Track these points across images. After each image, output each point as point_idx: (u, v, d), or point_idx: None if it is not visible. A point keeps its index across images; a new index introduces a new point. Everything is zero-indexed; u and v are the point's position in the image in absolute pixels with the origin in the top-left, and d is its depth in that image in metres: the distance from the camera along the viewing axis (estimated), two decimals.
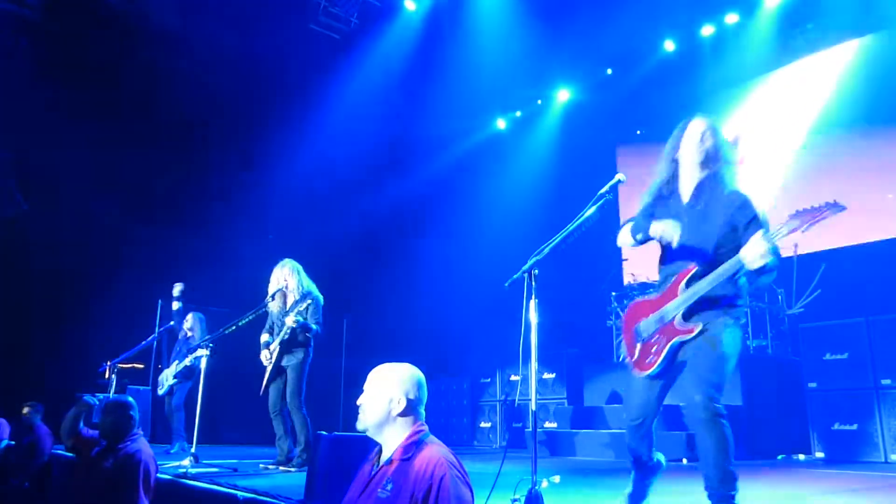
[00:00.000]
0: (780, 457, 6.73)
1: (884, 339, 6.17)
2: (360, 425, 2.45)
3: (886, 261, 8.11)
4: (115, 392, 7.31)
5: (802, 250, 7.93)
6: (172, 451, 7.37)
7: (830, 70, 9.15)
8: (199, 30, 9.48)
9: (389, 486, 2.29)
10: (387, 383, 2.44)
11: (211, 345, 5.96)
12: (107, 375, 7.33)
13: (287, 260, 6.09)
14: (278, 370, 5.82)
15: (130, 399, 4.73)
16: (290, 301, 5.88)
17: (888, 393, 6.04)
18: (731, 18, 9.67)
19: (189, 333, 7.90)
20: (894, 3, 8.43)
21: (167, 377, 7.85)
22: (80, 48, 9.12)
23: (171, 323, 7.99)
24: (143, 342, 7.83)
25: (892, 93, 8.44)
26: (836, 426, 6.35)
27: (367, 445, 2.60)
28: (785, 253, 7.79)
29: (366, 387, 2.48)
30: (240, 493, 3.87)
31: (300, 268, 6.05)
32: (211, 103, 9.92)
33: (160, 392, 7.86)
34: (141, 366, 8.05)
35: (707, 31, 9.94)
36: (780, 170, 9.47)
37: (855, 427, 6.21)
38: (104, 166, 8.98)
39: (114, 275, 9.02)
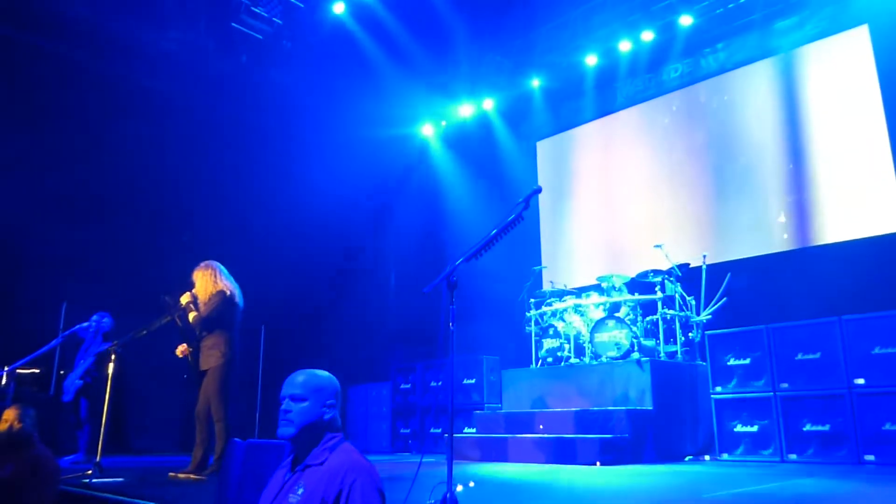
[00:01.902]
0: (687, 458, 6.99)
1: (783, 346, 6.51)
2: (286, 431, 2.37)
3: (789, 271, 8.59)
4: (15, 399, 6.92)
5: (711, 260, 8.29)
6: (76, 462, 7.04)
7: (743, 86, 9.66)
8: (110, 23, 9.14)
9: (300, 491, 2.28)
10: (318, 390, 2.41)
11: (118, 347, 5.73)
12: (3, 381, 6.92)
13: (203, 262, 5.92)
14: (199, 374, 5.66)
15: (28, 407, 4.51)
16: (201, 303, 5.73)
17: (787, 396, 6.38)
18: (647, 35, 10.02)
19: (94, 333, 7.57)
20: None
21: (72, 382, 7.50)
22: None
23: (77, 326, 7.63)
24: (45, 346, 7.43)
25: (788, 111, 9.00)
26: (738, 428, 6.66)
27: (283, 453, 2.57)
28: (694, 263, 8.17)
29: (296, 392, 2.40)
30: None
31: (211, 268, 5.86)
32: (122, 97, 9.56)
33: (66, 399, 7.50)
34: (38, 370, 7.64)
35: (624, 46, 10.27)
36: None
37: (756, 429, 6.53)
38: (5, 160, 8.51)
39: (14, 273, 8.55)
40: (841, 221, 8.43)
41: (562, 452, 6.66)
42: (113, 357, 5.77)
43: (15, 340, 7.66)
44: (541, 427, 7.25)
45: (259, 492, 2.54)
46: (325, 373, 2.51)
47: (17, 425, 4.37)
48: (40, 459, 4.22)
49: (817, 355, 6.29)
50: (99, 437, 5.61)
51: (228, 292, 5.73)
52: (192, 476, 5.35)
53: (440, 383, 9.30)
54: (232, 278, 5.91)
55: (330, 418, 2.41)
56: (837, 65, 8.71)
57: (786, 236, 8.85)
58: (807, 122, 8.92)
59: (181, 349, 5.75)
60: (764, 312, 7.62)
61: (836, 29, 8.77)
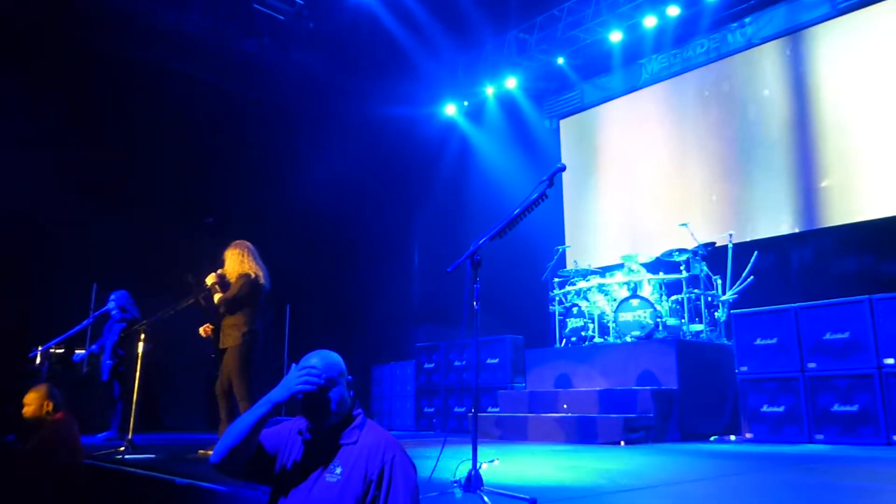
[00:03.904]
0: (712, 437, 6.97)
1: (811, 326, 6.43)
2: (334, 420, 2.32)
3: (817, 250, 8.48)
4: (49, 378, 7.08)
5: (737, 239, 8.20)
6: (109, 439, 7.20)
7: (771, 62, 9.48)
8: (133, 6, 9.20)
9: (339, 470, 2.28)
10: (342, 371, 2.40)
11: (146, 327, 5.83)
12: (38, 361, 7.08)
13: (235, 241, 5.97)
14: (221, 352, 5.73)
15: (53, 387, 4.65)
16: (229, 282, 5.80)
17: (814, 376, 6.31)
18: (673, 11, 9.85)
19: (119, 312, 7.71)
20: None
21: (105, 363, 7.66)
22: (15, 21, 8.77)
23: (103, 308, 7.77)
24: (77, 326, 7.58)
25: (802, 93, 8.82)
26: (765, 408, 6.61)
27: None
28: (720, 242, 8.09)
29: (325, 378, 2.31)
30: (177, 479, 3.81)
31: (241, 248, 5.91)
32: (147, 79, 9.63)
33: (103, 379, 7.66)
34: (62, 350, 7.78)
35: (650, 21, 10.10)
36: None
37: (782, 409, 6.48)
38: (36, 142, 8.63)
39: (46, 256, 8.71)
40: (870, 199, 8.28)
41: (585, 431, 6.67)
42: (142, 337, 5.87)
43: (47, 321, 7.83)
44: (565, 406, 7.26)
45: None
46: (331, 352, 2.45)
47: (48, 406, 4.48)
48: (59, 434, 4.34)
49: (846, 335, 6.21)
50: (130, 414, 5.72)
51: (253, 275, 5.78)
52: None
53: (464, 362, 9.34)
54: (260, 260, 5.95)
55: (353, 395, 2.41)
56: (869, 39, 8.50)
57: (814, 214, 8.72)
58: (836, 97, 8.74)
59: (204, 329, 5.82)
60: (790, 291, 7.53)
61: (868, 1, 8.54)
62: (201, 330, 5.82)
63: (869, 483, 3.93)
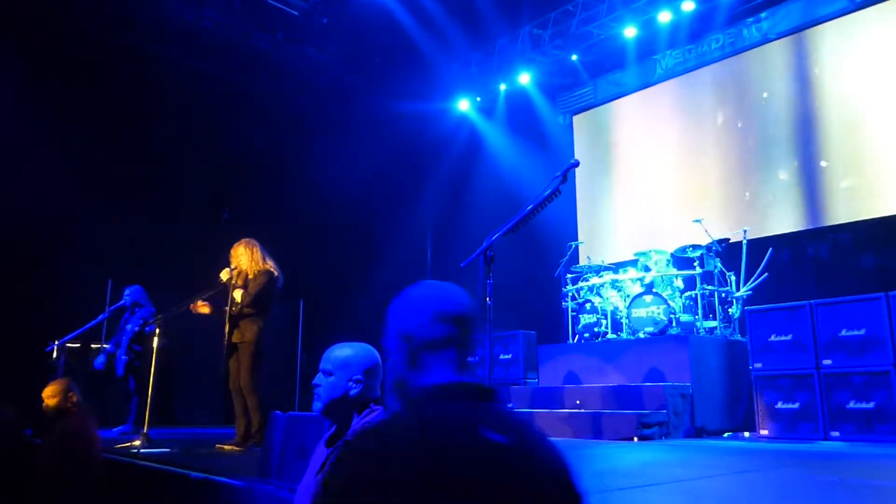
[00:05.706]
0: (726, 434, 6.93)
1: (826, 322, 6.37)
2: (315, 406, 2.38)
3: (832, 246, 8.40)
4: (65, 373, 7.15)
5: (752, 235, 8.14)
6: (124, 433, 7.26)
7: (787, 57, 9.40)
8: (149, 2, 9.24)
9: None
10: (345, 365, 2.40)
11: (161, 321, 5.88)
12: (54, 356, 7.15)
13: (244, 239, 6.02)
14: (231, 347, 5.78)
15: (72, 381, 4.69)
16: (241, 280, 5.84)
17: (830, 373, 6.26)
18: (688, 6, 9.78)
19: (132, 307, 7.75)
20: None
21: (120, 358, 7.71)
22: (33, 19, 8.84)
23: (118, 304, 7.84)
24: (92, 321, 7.65)
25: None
26: (779, 405, 6.57)
27: (323, 425, 2.59)
28: (735, 238, 8.03)
29: (325, 367, 2.41)
30: (192, 473, 3.84)
31: (255, 246, 5.97)
32: (161, 76, 9.68)
33: (118, 374, 7.72)
34: (78, 345, 7.86)
35: (664, 16, 10.04)
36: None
37: (797, 405, 6.44)
38: (52, 138, 8.71)
39: (62, 251, 8.79)
40: (888, 196, 8.19)
41: (598, 427, 6.65)
42: (157, 331, 5.91)
43: (63, 316, 7.90)
44: (578, 402, 7.25)
45: (300, 462, 2.57)
46: (360, 346, 2.47)
47: (72, 397, 4.53)
48: (78, 431, 4.38)
49: (862, 332, 6.15)
50: (146, 408, 5.77)
51: (275, 272, 5.87)
52: (235, 448, 5.51)
53: (476, 358, 9.31)
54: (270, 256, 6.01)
55: (356, 394, 2.38)
56: (888, 33, 8.40)
57: (830, 210, 8.64)
58: (853, 93, 8.64)
59: (200, 305, 5.86)
60: (805, 287, 7.45)
61: None
62: (197, 306, 5.84)
63: (885, 480, 3.90)
